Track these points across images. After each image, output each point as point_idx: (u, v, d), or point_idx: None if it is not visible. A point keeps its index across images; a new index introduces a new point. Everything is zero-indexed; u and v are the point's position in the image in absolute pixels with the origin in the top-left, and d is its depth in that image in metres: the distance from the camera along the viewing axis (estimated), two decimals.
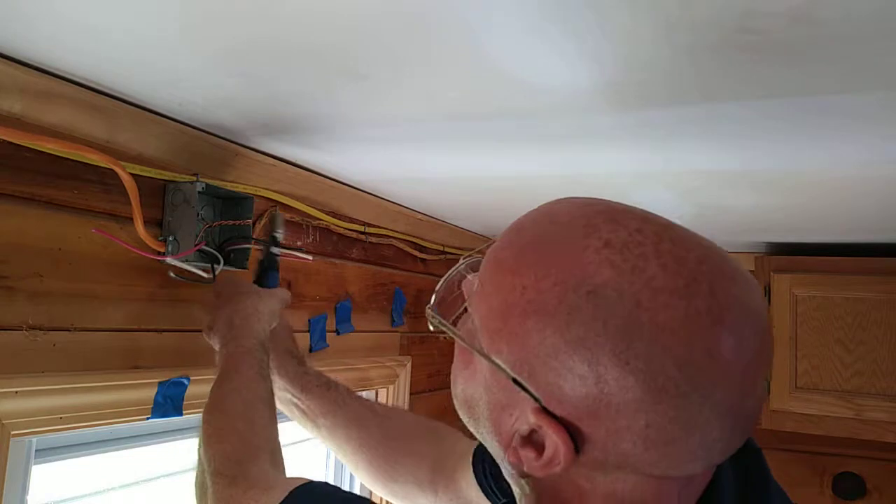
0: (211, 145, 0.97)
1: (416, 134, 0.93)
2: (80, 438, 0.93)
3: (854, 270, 1.74)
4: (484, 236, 1.93)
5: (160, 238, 0.94)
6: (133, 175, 0.87)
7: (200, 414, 0.83)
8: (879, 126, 0.80)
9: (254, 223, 1.11)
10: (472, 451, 0.81)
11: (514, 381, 0.45)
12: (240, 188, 1.06)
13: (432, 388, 1.80)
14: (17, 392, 0.77)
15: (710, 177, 1.10)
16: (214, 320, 0.94)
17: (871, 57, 0.61)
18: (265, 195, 1.14)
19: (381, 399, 1.57)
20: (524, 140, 0.94)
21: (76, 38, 0.65)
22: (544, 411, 0.44)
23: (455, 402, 0.55)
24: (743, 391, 0.42)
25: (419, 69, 0.69)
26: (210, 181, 0.99)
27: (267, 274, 1.06)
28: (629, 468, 0.45)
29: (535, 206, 0.51)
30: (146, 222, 0.89)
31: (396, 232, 1.56)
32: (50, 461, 0.89)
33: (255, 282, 1.04)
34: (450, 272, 0.56)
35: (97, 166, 0.86)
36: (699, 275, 0.42)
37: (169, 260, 0.94)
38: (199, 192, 0.95)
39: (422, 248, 1.71)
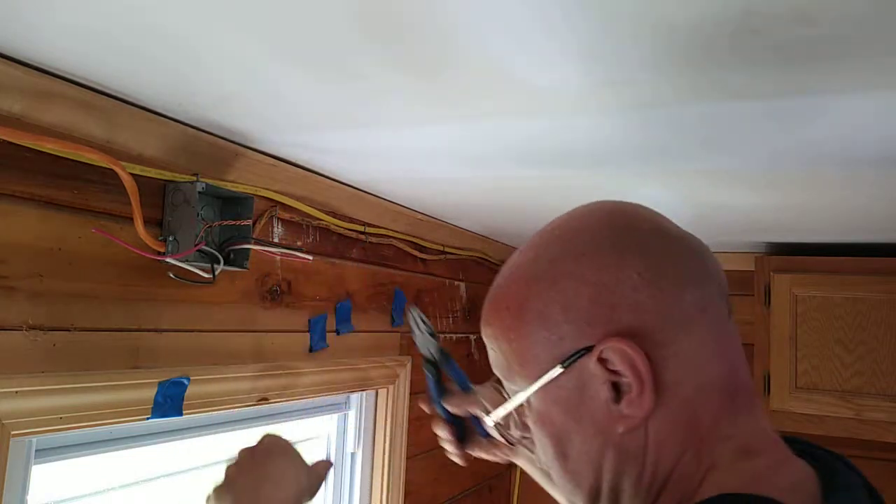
0: (211, 145, 0.97)
1: (415, 134, 0.93)
2: (80, 438, 0.93)
3: (854, 270, 1.74)
4: (484, 236, 1.93)
5: (160, 238, 0.94)
6: (133, 175, 0.87)
7: (200, 413, 0.81)
8: (879, 126, 0.80)
9: (254, 223, 1.11)
10: None
11: (563, 362, 0.51)
12: (240, 188, 1.06)
13: None
14: (17, 392, 0.77)
15: (709, 177, 1.10)
16: (232, 480, 0.78)
17: (871, 57, 0.61)
18: (265, 195, 1.14)
19: (381, 399, 1.57)
20: (523, 140, 0.94)
21: (76, 39, 0.65)
22: (593, 348, 0.50)
23: (564, 478, 0.55)
24: (653, 227, 0.54)
25: (419, 69, 0.69)
26: (210, 181, 0.99)
27: (452, 370, 0.94)
28: (681, 328, 0.50)
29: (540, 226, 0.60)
30: (146, 222, 0.90)
31: (396, 232, 1.56)
32: (50, 461, 0.89)
33: (436, 398, 0.93)
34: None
35: (97, 166, 0.86)
36: (605, 214, 0.56)
37: (169, 260, 0.94)
38: (199, 192, 0.95)
39: (422, 248, 1.71)
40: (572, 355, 0.51)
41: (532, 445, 0.58)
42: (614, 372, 0.50)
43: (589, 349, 0.50)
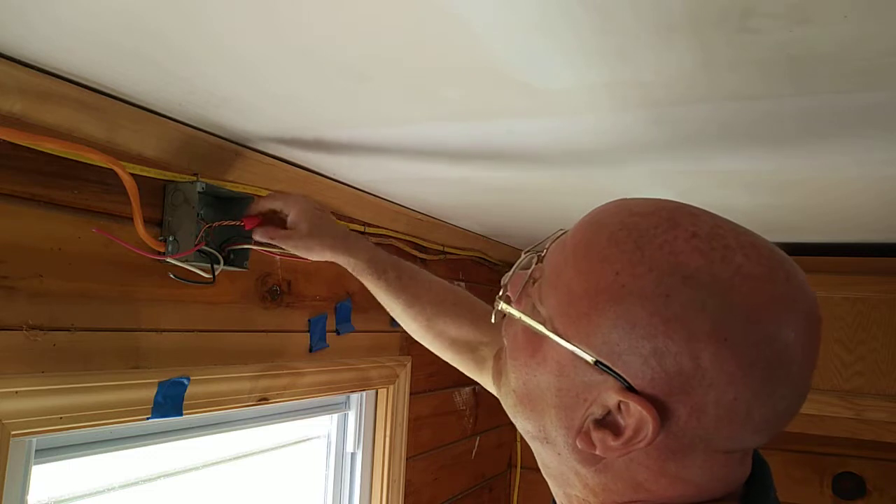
0: (211, 145, 0.97)
1: (415, 134, 0.93)
2: (80, 438, 0.92)
3: (854, 270, 1.74)
4: (484, 236, 1.93)
5: (160, 238, 0.94)
6: (133, 175, 0.87)
7: (200, 413, 0.82)
8: (879, 126, 0.80)
9: None
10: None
11: (598, 363, 0.47)
12: (240, 188, 1.06)
13: (432, 388, 1.79)
14: (17, 392, 0.77)
15: (708, 177, 1.10)
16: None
17: (871, 57, 0.61)
18: (265, 195, 1.13)
19: (381, 399, 1.57)
20: (524, 141, 0.94)
21: (76, 39, 0.65)
22: (630, 390, 0.46)
23: (508, 399, 0.55)
24: (810, 366, 0.47)
25: (419, 69, 0.69)
26: (210, 181, 0.99)
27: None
28: (700, 448, 0.47)
29: (588, 207, 0.54)
30: (146, 222, 0.90)
31: (396, 232, 1.56)
32: (50, 461, 0.89)
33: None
34: (516, 264, 0.57)
35: (97, 166, 0.86)
36: (775, 263, 0.47)
37: (169, 260, 0.94)
38: (199, 192, 0.95)
39: (422, 248, 1.71)
40: (614, 371, 0.46)
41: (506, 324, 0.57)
42: (619, 412, 0.47)
43: (630, 388, 0.46)
